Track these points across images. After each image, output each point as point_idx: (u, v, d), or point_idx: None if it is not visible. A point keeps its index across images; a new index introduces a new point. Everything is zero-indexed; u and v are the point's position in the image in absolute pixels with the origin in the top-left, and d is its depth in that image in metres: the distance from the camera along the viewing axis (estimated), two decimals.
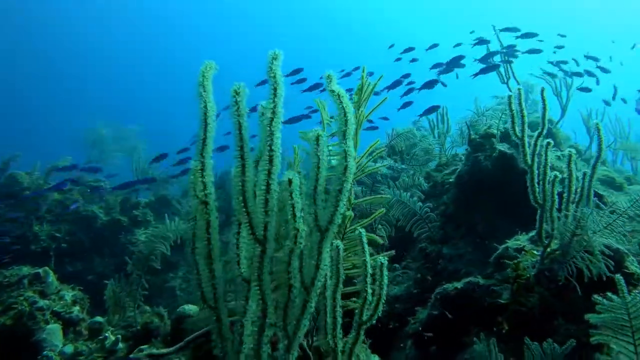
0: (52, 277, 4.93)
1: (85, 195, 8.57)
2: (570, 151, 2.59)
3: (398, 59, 7.44)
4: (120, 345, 4.31)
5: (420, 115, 6.03)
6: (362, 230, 1.98)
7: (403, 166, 6.02)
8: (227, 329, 1.51)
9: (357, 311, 1.90)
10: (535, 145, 2.64)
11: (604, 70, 6.92)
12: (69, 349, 4.41)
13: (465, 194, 4.32)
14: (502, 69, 5.64)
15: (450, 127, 6.40)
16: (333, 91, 1.85)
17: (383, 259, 1.90)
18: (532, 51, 6.45)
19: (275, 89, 1.63)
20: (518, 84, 5.29)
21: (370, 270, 1.92)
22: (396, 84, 6.36)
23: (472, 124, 5.40)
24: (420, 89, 6.09)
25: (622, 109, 7.69)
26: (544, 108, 2.66)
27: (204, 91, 1.69)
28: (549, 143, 2.63)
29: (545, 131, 2.64)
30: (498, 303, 2.58)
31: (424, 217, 4.31)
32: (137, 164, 10.31)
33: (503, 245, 2.95)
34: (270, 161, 1.50)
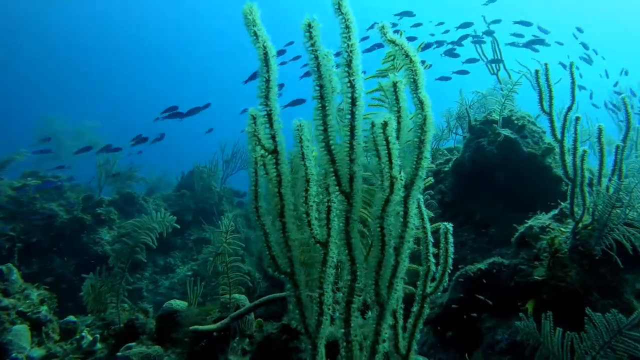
0: (16, 275, 4.44)
1: (43, 192, 7.89)
2: (600, 125, 2.56)
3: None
4: (99, 345, 3.93)
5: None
6: (420, 196, 1.82)
7: None
8: (306, 296, 1.30)
9: (419, 283, 1.73)
10: (565, 119, 2.59)
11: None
12: (37, 352, 3.96)
13: (466, 181, 4.26)
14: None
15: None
16: (393, 41, 1.68)
17: (448, 224, 1.75)
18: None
19: (348, 27, 1.44)
20: (509, 75, 5.36)
21: (431, 239, 1.76)
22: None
23: (460, 115, 5.41)
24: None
25: (590, 109, 8.01)
26: (573, 83, 2.62)
27: (258, 29, 1.47)
28: (578, 117, 2.59)
29: (575, 105, 2.60)
30: (531, 280, 2.49)
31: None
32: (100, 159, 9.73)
33: (526, 224, 2.89)
34: (353, 102, 1.31)
